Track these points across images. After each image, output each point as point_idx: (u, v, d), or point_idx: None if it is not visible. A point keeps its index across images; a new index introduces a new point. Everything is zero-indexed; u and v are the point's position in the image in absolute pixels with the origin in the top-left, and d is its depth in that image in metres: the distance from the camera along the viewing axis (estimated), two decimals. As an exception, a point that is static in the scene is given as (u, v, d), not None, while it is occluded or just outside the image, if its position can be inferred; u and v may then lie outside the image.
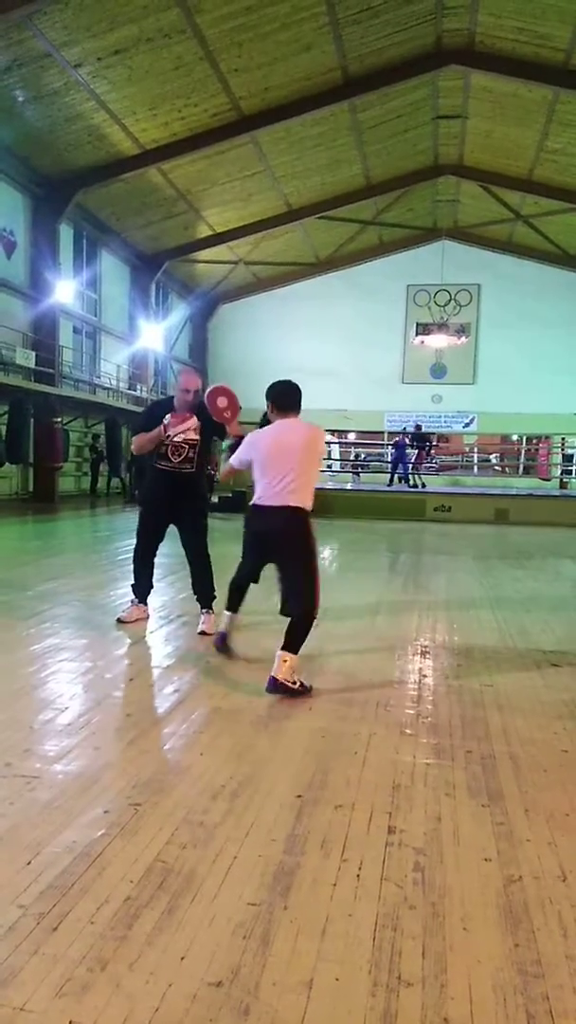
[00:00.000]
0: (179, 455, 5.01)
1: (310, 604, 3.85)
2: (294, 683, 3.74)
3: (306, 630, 3.85)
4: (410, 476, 21.46)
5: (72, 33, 12.65)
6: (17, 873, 2.13)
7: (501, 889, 2.13)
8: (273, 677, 3.71)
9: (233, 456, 4.23)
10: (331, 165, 20.21)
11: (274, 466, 3.90)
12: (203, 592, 5.20)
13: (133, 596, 5.37)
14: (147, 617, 5.38)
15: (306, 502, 3.91)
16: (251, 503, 4.05)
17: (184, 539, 5.25)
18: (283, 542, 3.93)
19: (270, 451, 3.93)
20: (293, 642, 3.79)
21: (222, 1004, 1.66)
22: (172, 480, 5.09)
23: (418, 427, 21.82)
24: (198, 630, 4.99)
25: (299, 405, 4.07)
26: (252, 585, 4.31)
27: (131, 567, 5.44)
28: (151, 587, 5.43)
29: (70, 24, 12.43)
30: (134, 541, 5.45)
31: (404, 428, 23.26)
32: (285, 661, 3.73)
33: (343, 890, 2.10)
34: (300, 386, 4.16)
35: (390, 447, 22.88)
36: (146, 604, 5.42)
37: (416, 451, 21.98)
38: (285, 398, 4.05)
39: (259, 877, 2.15)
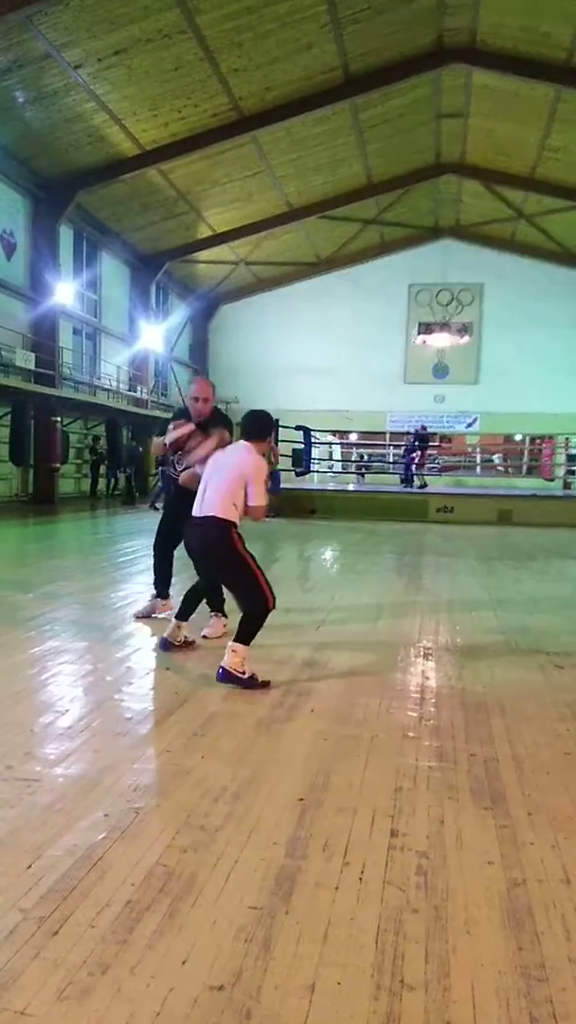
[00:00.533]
0: (181, 463, 5.06)
1: (261, 602, 3.97)
2: (243, 672, 3.90)
3: (258, 624, 3.99)
4: (413, 477, 21.43)
5: (72, 34, 12.66)
6: (18, 877, 2.12)
7: (504, 892, 2.12)
8: (222, 667, 3.91)
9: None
10: (332, 164, 20.21)
11: (210, 482, 4.16)
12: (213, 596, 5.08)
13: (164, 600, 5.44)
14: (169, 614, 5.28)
15: (228, 514, 4.05)
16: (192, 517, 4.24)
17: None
18: (205, 552, 4.15)
19: (212, 468, 4.22)
20: (243, 633, 3.94)
21: (224, 1008, 1.65)
22: (177, 486, 5.15)
23: (423, 428, 21.81)
24: (202, 633, 4.91)
25: (261, 432, 4.25)
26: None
27: (131, 569, 5.46)
28: (168, 588, 5.49)
29: (70, 25, 12.44)
30: (133, 543, 5.47)
31: (415, 428, 23.23)
32: (235, 652, 3.91)
33: (345, 894, 2.09)
34: (270, 414, 4.43)
35: (403, 447, 22.80)
36: (171, 601, 5.42)
37: (419, 451, 21.95)
38: (247, 425, 4.28)
39: (261, 881, 2.14)
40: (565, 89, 15.45)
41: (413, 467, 20.69)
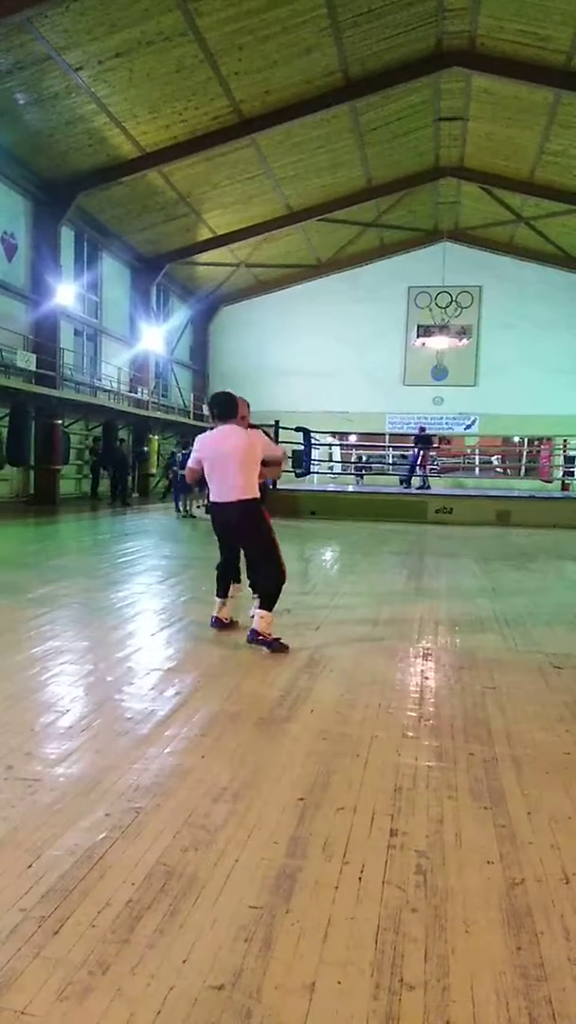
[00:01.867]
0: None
1: (277, 575, 4.68)
2: (269, 635, 4.59)
3: (277, 592, 4.70)
4: (413, 478, 21.44)
5: (73, 36, 12.68)
6: (18, 876, 2.13)
7: (504, 892, 2.12)
8: (253, 630, 4.62)
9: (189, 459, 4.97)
10: (332, 167, 20.25)
11: (218, 470, 4.65)
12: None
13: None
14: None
15: (252, 492, 4.66)
16: (211, 502, 4.83)
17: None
18: (240, 530, 4.75)
19: (213, 458, 4.66)
20: (268, 601, 4.67)
21: (224, 1007, 1.65)
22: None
23: (422, 429, 21.86)
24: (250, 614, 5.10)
25: (234, 412, 4.76)
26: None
27: (131, 570, 5.50)
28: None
29: (71, 27, 12.46)
30: (133, 544, 5.53)
31: (417, 430, 23.25)
32: (263, 618, 4.62)
33: (345, 893, 2.09)
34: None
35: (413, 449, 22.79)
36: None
37: (420, 453, 21.97)
38: (220, 408, 4.77)
39: (261, 880, 2.14)
40: (564, 93, 15.49)
41: (417, 468, 20.71)
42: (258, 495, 4.71)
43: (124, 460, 19.82)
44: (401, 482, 21.65)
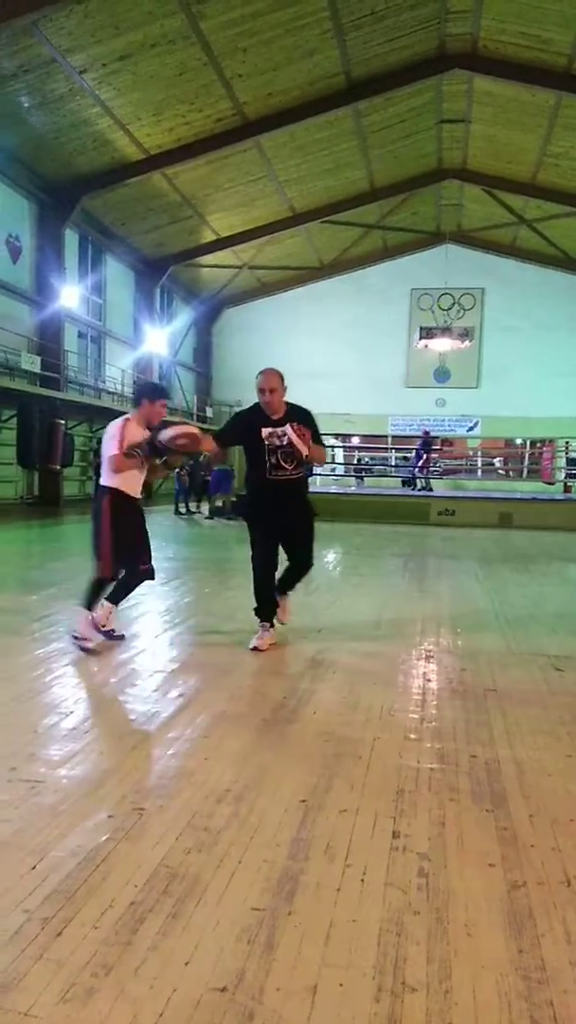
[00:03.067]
0: (291, 461, 4.70)
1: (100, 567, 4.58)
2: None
3: (98, 588, 4.62)
4: (416, 480, 21.47)
5: (77, 39, 12.72)
6: (22, 878, 2.14)
7: (505, 894, 2.13)
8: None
9: None
10: (335, 169, 20.27)
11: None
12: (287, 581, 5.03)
13: (262, 621, 4.81)
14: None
15: (106, 480, 4.59)
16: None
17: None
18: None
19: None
20: (86, 599, 4.63)
21: (226, 1009, 1.66)
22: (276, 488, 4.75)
23: (426, 433, 21.89)
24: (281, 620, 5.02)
25: (137, 402, 4.78)
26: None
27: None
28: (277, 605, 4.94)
29: (75, 30, 12.49)
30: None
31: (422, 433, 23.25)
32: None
33: (347, 895, 2.10)
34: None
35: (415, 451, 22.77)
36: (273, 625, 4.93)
37: (423, 455, 22.00)
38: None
39: (263, 882, 2.15)
40: (565, 95, 15.50)
41: (419, 471, 20.74)
42: (112, 484, 4.57)
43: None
44: (404, 484, 21.64)
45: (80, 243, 19.85)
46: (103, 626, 4.77)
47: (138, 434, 4.51)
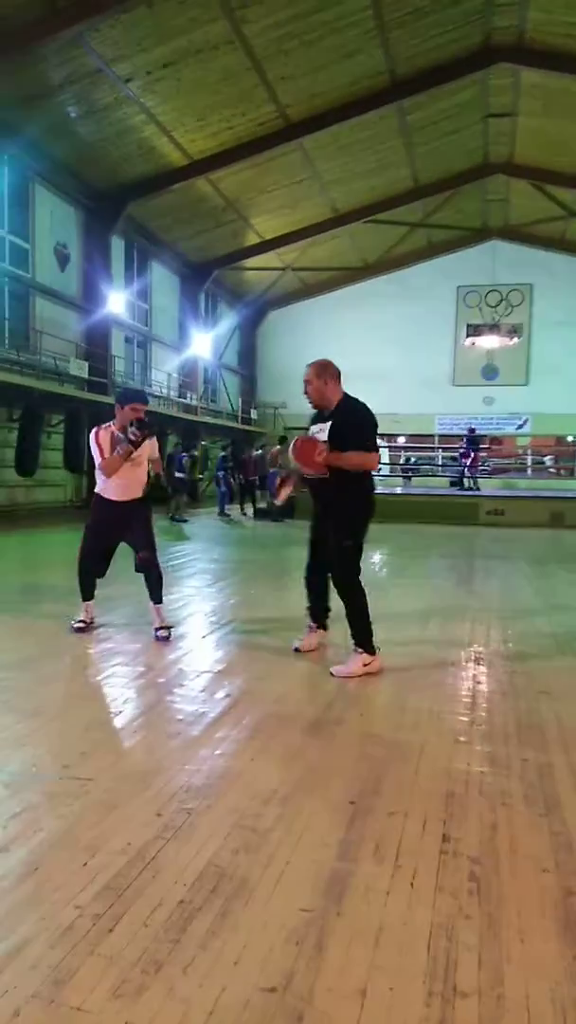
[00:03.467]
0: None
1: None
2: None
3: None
4: (464, 479, 21.23)
5: (122, 48, 12.90)
6: (74, 874, 2.17)
7: (559, 901, 2.08)
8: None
9: None
10: (378, 168, 20.16)
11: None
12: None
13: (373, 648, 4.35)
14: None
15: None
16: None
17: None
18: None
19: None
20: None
21: (276, 1010, 1.65)
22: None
23: (472, 430, 21.60)
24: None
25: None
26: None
27: (182, 573, 5.44)
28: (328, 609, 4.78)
29: (120, 40, 12.68)
30: (182, 548, 5.48)
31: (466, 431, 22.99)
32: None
33: (397, 898, 2.08)
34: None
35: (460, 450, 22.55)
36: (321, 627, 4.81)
37: (472, 454, 21.75)
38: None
39: (312, 883, 2.14)
40: (616, 84, 15.15)
41: (466, 470, 20.49)
42: (96, 489, 5.04)
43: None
44: (452, 484, 21.39)
45: (126, 249, 20.14)
46: (155, 626, 5.01)
47: (107, 437, 4.87)
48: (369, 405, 4.38)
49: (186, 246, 22.03)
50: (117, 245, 19.05)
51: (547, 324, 25.91)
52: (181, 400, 23.00)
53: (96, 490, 5.05)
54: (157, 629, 4.99)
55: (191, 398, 23.36)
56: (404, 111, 17.27)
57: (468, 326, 26.38)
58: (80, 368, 16.88)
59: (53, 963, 1.79)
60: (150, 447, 5.04)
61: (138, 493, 5.05)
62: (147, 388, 21.51)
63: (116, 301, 18.50)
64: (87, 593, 5.21)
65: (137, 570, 5.00)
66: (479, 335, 25.22)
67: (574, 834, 2.44)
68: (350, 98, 16.12)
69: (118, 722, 3.42)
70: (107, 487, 4.97)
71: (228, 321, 27.03)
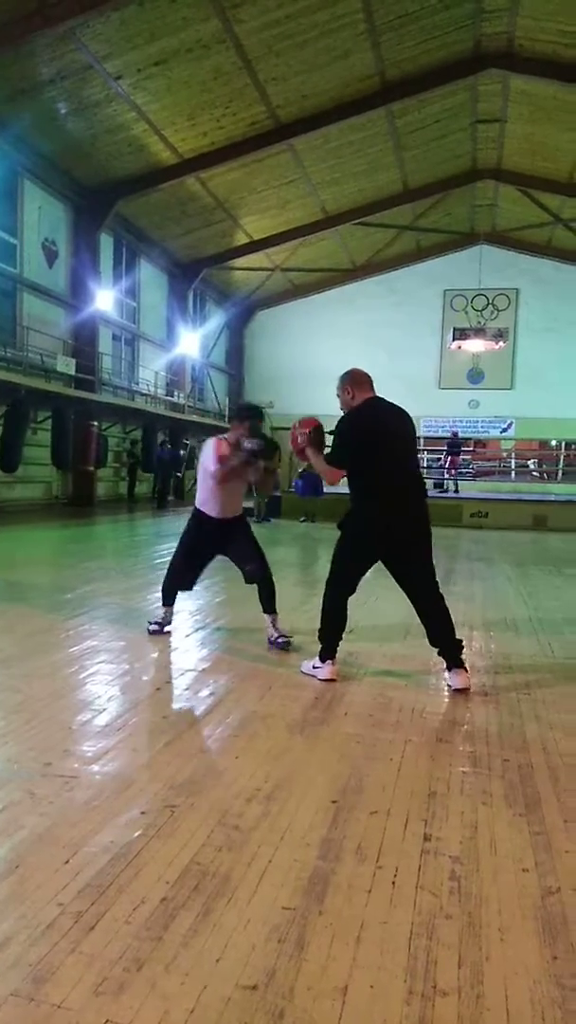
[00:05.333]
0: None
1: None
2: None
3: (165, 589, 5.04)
4: (444, 482, 21.40)
5: (114, 45, 12.85)
6: (55, 872, 2.16)
7: (539, 900, 2.10)
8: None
9: None
10: (368, 171, 20.21)
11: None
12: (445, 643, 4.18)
13: (329, 656, 4.18)
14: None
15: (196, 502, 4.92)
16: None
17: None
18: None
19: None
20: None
21: (257, 1007, 1.66)
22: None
23: (454, 434, 21.72)
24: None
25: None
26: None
27: (163, 572, 5.32)
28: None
29: (112, 36, 12.63)
30: (170, 546, 5.47)
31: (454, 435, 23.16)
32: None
33: (378, 897, 2.09)
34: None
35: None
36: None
37: (450, 458, 21.94)
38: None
39: (294, 881, 2.15)
40: (605, 92, 15.26)
41: (446, 472, 20.63)
42: (197, 504, 4.90)
43: (171, 462, 20.21)
44: (435, 486, 21.53)
45: (115, 247, 20.05)
46: (271, 636, 4.87)
47: (226, 448, 4.67)
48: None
49: (175, 245, 21.97)
50: (106, 242, 18.97)
51: (532, 329, 26.10)
52: (168, 398, 22.95)
53: (196, 504, 4.91)
54: (275, 639, 4.81)
55: (178, 396, 23.31)
56: (394, 115, 17.32)
57: (455, 330, 26.50)
58: (67, 365, 16.79)
59: (34, 961, 1.78)
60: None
61: (238, 511, 4.96)
62: (134, 386, 21.46)
63: (104, 298, 18.41)
64: (168, 599, 5.11)
65: (247, 582, 4.90)
66: (465, 339, 25.33)
67: (554, 834, 2.46)
68: (341, 100, 16.14)
69: (102, 720, 3.41)
70: (208, 503, 4.83)
71: (216, 320, 26.98)
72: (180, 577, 5.02)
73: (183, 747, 3.12)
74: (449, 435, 23.06)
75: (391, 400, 4.25)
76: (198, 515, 4.90)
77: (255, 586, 4.90)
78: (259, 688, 3.96)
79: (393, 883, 2.16)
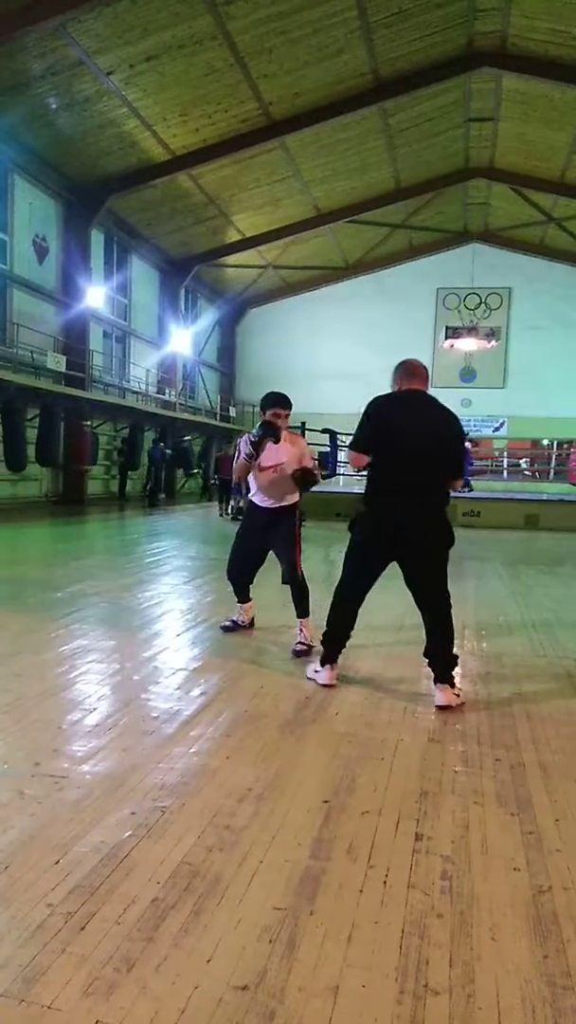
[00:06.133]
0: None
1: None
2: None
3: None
4: None
5: (105, 40, 12.79)
6: (45, 872, 2.15)
7: (530, 899, 2.10)
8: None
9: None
10: (361, 169, 20.21)
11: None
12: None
13: (329, 661, 4.08)
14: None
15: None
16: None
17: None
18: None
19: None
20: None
21: (248, 1008, 1.65)
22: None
23: None
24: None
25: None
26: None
27: (158, 571, 5.39)
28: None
29: (103, 32, 12.57)
30: (160, 544, 5.45)
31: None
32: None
33: (370, 896, 2.09)
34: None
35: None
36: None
37: None
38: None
39: (285, 881, 2.14)
40: (597, 92, 15.30)
41: None
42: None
43: (163, 460, 20.23)
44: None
45: (106, 243, 19.98)
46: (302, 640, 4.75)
47: (246, 443, 4.76)
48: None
49: (166, 241, 21.91)
50: (97, 239, 18.91)
51: (524, 328, 26.17)
52: (160, 396, 22.89)
53: (249, 495, 5.05)
54: (296, 644, 4.71)
55: (170, 395, 23.25)
56: (387, 112, 17.33)
57: (447, 328, 26.55)
58: (57, 362, 16.73)
59: (23, 962, 1.77)
60: (296, 454, 4.79)
61: (282, 501, 4.86)
62: (125, 384, 21.39)
63: (95, 295, 18.35)
64: (240, 595, 5.18)
65: (283, 582, 4.88)
66: (458, 337, 25.38)
67: (545, 833, 2.47)
68: (333, 98, 16.12)
69: (92, 719, 3.40)
70: (256, 494, 4.95)
71: (208, 318, 26.94)
72: (233, 565, 5.12)
73: (174, 747, 3.11)
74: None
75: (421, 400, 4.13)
76: (249, 505, 5.07)
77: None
78: (250, 688, 3.96)
79: (384, 882, 2.16)
